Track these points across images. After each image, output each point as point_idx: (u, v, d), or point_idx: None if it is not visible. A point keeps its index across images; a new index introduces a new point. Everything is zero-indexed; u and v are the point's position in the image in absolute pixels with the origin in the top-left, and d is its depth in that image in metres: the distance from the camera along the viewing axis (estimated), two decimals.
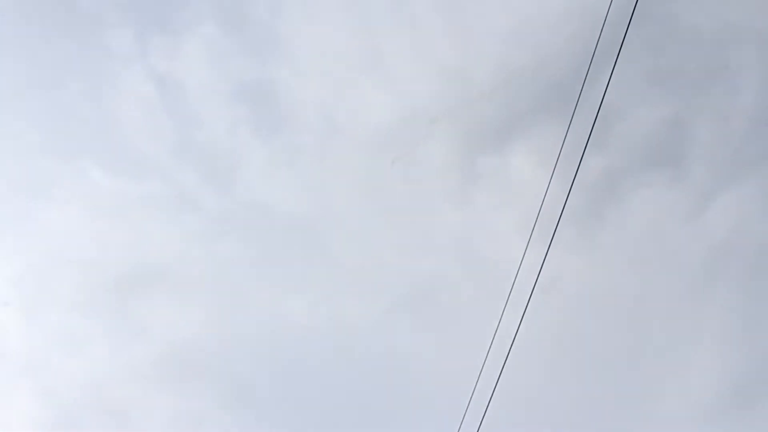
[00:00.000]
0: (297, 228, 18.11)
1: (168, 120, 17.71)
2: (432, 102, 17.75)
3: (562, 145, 7.83)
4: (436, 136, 17.86)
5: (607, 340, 17.00)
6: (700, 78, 16.54)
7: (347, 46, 17.82)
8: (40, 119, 17.34)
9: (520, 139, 17.68)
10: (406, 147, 17.98)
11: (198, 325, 17.96)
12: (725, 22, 16.16)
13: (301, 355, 17.73)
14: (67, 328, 17.57)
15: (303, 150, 18.29)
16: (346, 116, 18.26)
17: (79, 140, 17.65)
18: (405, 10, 17.60)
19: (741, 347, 15.86)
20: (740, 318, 16.07)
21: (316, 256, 18.28)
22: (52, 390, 17.29)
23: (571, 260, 17.26)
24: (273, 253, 18.26)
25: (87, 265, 17.63)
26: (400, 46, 17.68)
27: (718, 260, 16.45)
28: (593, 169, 16.98)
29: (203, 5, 17.59)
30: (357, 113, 18.22)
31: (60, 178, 17.44)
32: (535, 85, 16.95)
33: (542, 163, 16.81)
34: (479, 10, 17.27)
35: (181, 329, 18.02)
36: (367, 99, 18.14)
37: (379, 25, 17.71)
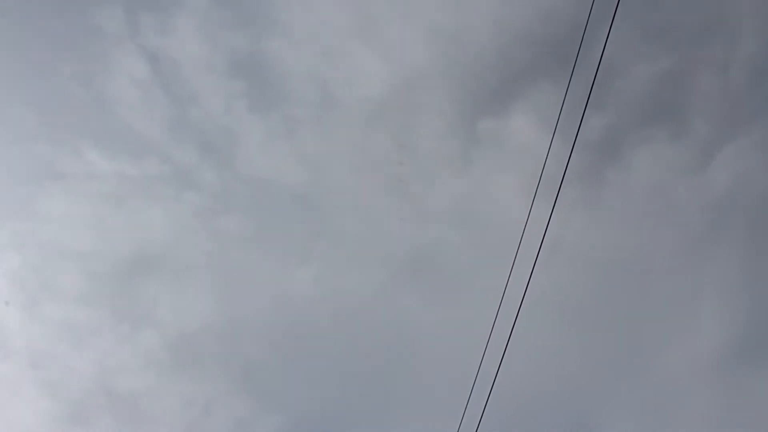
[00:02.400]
0: (298, 201, 18.06)
1: (163, 98, 17.52)
2: (428, 67, 17.57)
3: (561, 104, 7.69)
4: (434, 101, 17.73)
5: (611, 297, 17.05)
6: (697, 31, 16.34)
7: (340, 14, 17.57)
8: (34, 104, 17.13)
9: (519, 101, 17.54)
10: (403, 114, 17.86)
11: (203, 307, 17.98)
12: None
13: (307, 330, 17.78)
14: (70, 319, 17.45)
15: (300, 122, 18.14)
16: (341, 86, 18.07)
17: (74, 123, 17.47)
18: None
19: (744, 301, 15.91)
20: (743, 272, 16.11)
21: (317, 228, 18.27)
22: (59, 383, 17.28)
23: (574, 220, 17.23)
24: (275, 228, 18.24)
25: (88, 253, 17.53)
26: (394, 12, 17.44)
27: (721, 214, 16.44)
28: (594, 127, 16.86)
29: None
30: (353, 82, 18.03)
31: (56, 163, 17.30)
32: (533, 45, 16.76)
33: (542, 124, 16.71)
34: None
35: (186, 313, 18.02)
36: (362, 67, 17.94)
37: None
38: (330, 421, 17.08)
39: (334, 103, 18.01)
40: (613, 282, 17.08)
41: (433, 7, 17.32)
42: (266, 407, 17.53)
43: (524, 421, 15.62)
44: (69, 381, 17.36)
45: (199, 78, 17.61)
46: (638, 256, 17.05)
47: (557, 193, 7.21)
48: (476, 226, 17.97)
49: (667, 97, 16.82)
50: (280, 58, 17.79)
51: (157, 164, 17.52)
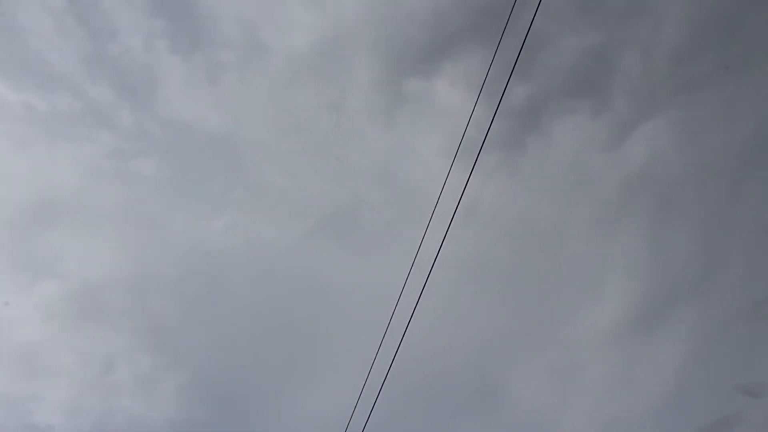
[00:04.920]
0: (217, 148, 17.57)
1: (79, 30, 16.55)
2: (359, 22, 17.26)
3: (488, 70, 7.65)
4: (363, 57, 17.47)
5: (525, 263, 17.49)
6: (626, 12, 16.63)
7: None
8: None
9: (447, 63, 17.49)
10: (331, 67, 17.55)
11: (111, 258, 17.28)
12: None
13: (219, 283, 17.46)
14: None
15: (225, 68, 17.56)
16: (270, 34, 17.55)
17: None
18: None
19: (645, 274, 16.61)
20: (647, 247, 16.77)
21: (236, 178, 17.87)
22: None
23: (492, 185, 17.47)
24: (192, 174, 17.72)
25: None
26: None
27: (633, 190, 16.99)
28: (518, 95, 17.03)
29: None
30: (281, 31, 17.54)
31: None
32: (465, 10, 16.70)
33: (469, 88, 16.75)
34: None
35: (92, 264, 17.30)
36: (293, 17, 17.47)
37: None
38: (237, 382, 16.87)
39: (260, 51, 17.50)
40: (527, 248, 17.50)
41: None
42: (171, 365, 17.15)
43: (433, 377, 15.94)
44: None
45: (118, 12, 16.72)
46: (553, 224, 17.51)
47: (477, 156, 7.18)
48: (397, 185, 18.01)
49: (591, 73, 17.12)
50: (207, 1, 17.13)
51: (69, 100, 16.63)
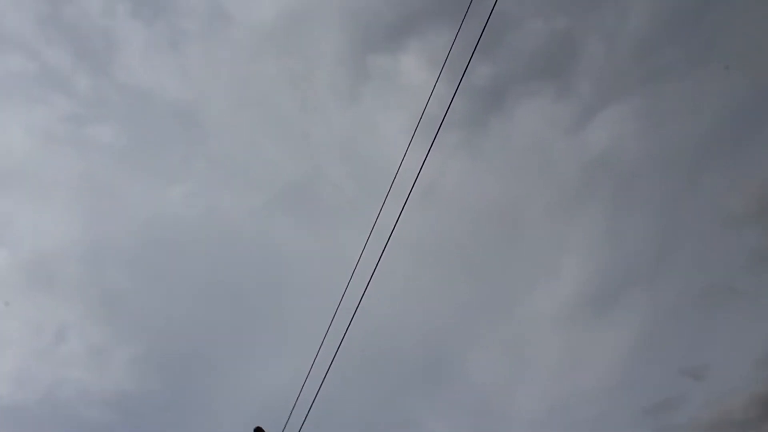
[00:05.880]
0: (177, 117, 17.27)
1: None
2: None
3: (450, 48, 7.60)
4: (328, 31, 17.30)
5: (484, 242, 17.64)
6: None
7: None
8: None
9: (413, 40, 17.43)
10: (295, 41, 17.34)
11: (65, 227, 16.90)
12: None
13: (174, 253, 17.23)
14: None
15: (188, 35, 17.24)
16: (235, 5, 17.26)
17: None
18: None
19: (605, 257, 16.88)
20: (607, 230, 17.03)
21: (195, 147, 17.62)
22: None
23: (453, 164, 17.53)
24: (150, 142, 17.41)
25: None
26: None
27: (593, 174, 17.21)
28: (482, 76, 17.05)
29: None
30: (247, 2, 17.27)
31: None
32: None
33: (434, 66, 16.70)
34: None
35: (45, 232, 16.90)
36: None
37: None
38: (191, 353, 16.69)
39: (225, 21, 17.21)
40: (487, 227, 17.64)
41: None
42: (124, 335, 16.91)
43: (388, 351, 16.02)
44: None
45: None
46: (513, 205, 17.66)
47: (436, 132, 7.15)
48: (358, 161, 17.96)
49: (556, 56, 17.23)
50: None
51: (23, 61, 16.13)
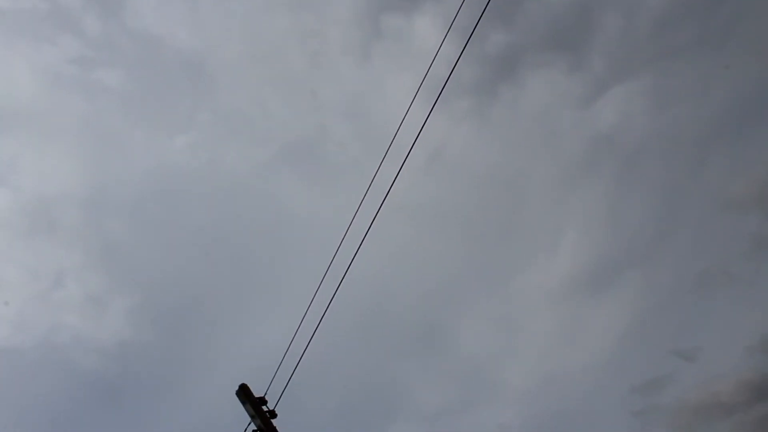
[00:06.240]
0: (185, 66, 17.10)
1: None
2: None
3: (458, 10, 7.46)
4: None
5: (485, 211, 17.59)
6: None
7: None
8: None
9: (428, 3, 17.17)
10: None
11: (68, 171, 16.78)
12: None
13: (176, 204, 17.18)
14: None
15: None
16: None
17: None
18: None
19: (603, 235, 16.85)
20: (609, 208, 16.97)
21: (202, 97, 17.48)
22: None
23: (461, 130, 17.41)
24: (157, 90, 17.26)
25: None
26: None
27: (599, 150, 17.08)
28: (496, 43, 16.82)
29: None
30: None
31: None
32: None
33: (446, 29, 16.41)
34: None
35: (48, 176, 16.79)
36: None
37: None
38: (186, 305, 16.72)
39: None
40: (489, 197, 17.58)
41: None
42: (121, 286, 16.92)
43: (380, 315, 16.09)
44: None
45: None
46: (517, 176, 17.58)
47: (438, 94, 7.05)
48: (364, 121, 17.83)
49: (572, 29, 16.97)
50: None
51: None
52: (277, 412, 5.59)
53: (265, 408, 5.60)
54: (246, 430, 5.74)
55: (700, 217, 15.38)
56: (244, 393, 5.62)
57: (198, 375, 15.28)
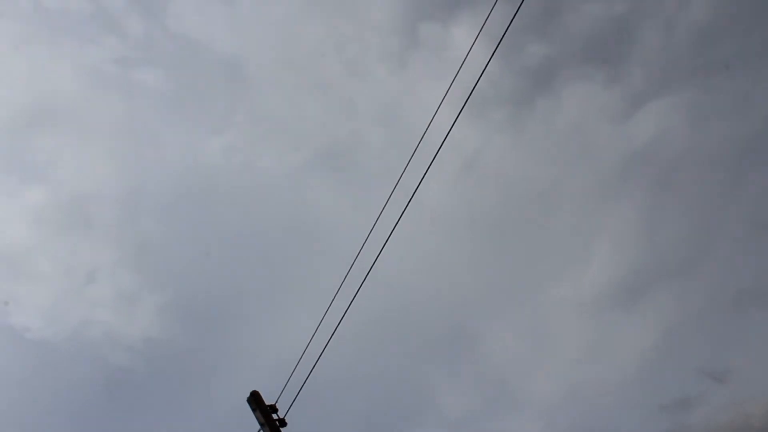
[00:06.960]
0: (223, 69, 17.35)
1: None
2: None
3: (485, 19, 7.50)
4: None
5: (517, 221, 17.45)
6: None
7: None
8: None
9: (465, 13, 17.14)
10: (348, 1, 17.21)
11: (104, 169, 17.02)
12: None
13: (210, 202, 17.37)
14: None
15: None
16: None
17: None
18: None
19: (636, 250, 16.59)
20: (643, 223, 16.70)
21: (239, 100, 17.71)
22: None
23: (496, 140, 17.33)
24: (195, 92, 17.54)
25: None
26: None
27: (634, 165, 16.84)
28: (534, 54, 16.72)
29: None
30: None
31: None
32: None
33: (485, 39, 16.37)
34: None
35: (84, 174, 17.07)
36: None
37: None
38: (215, 305, 16.82)
39: None
40: (522, 207, 17.44)
41: None
42: (152, 284, 17.11)
43: (408, 318, 16.04)
44: None
45: None
46: (550, 187, 17.42)
47: (464, 104, 7.09)
48: (398, 128, 17.84)
49: (611, 42, 16.79)
50: None
51: (80, 0, 16.33)
52: (287, 421, 5.63)
53: (275, 416, 5.65)
54: None
55: (735, 235, 15.08)
56: (254, 400, 5.67)
57: (227, 373, 15.45)
